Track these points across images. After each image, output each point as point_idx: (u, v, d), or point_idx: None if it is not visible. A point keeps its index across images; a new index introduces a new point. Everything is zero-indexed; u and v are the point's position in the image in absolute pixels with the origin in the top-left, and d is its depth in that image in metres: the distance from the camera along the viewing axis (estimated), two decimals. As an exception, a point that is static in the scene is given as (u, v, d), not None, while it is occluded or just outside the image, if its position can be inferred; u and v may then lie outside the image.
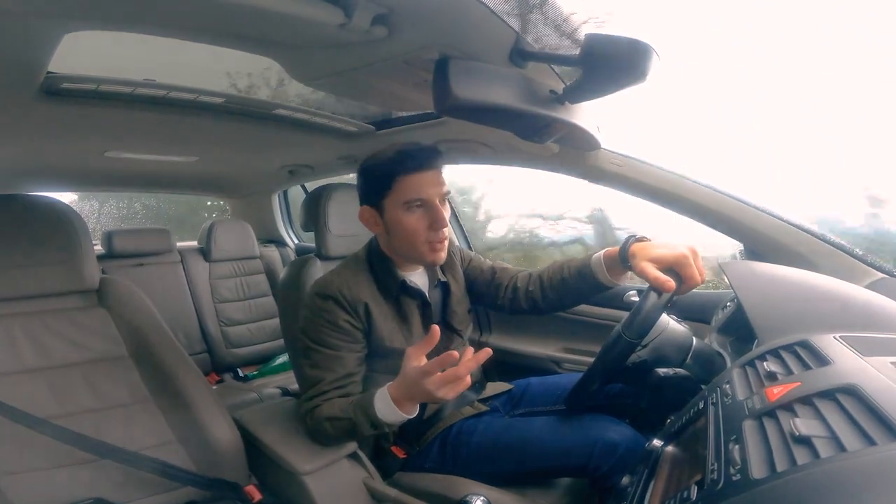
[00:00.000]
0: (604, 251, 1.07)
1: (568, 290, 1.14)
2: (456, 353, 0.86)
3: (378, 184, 1.04)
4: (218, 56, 0.88)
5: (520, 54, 0.83)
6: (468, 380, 0.87)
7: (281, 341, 2.21)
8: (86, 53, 0.85)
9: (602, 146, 1.31)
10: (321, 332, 1.04)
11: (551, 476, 1.10)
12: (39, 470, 0.96)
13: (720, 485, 0.47)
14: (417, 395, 0.90)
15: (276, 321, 2.17)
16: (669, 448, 0.72)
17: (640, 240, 0.99)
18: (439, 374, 0.85)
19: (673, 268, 0.91)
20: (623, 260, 1.00)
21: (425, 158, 1.02)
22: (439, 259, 1.07)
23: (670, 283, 0.87)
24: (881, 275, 1.10)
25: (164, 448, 1.08)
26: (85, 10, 0.66)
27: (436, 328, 0.86)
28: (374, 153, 1.07)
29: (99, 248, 2.17)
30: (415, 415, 0.95)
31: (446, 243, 1.08)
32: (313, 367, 1.05)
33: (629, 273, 1.02)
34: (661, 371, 0.97)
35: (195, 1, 0.66)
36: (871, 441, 0.41)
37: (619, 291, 1.55)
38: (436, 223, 1.02)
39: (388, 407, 0.93)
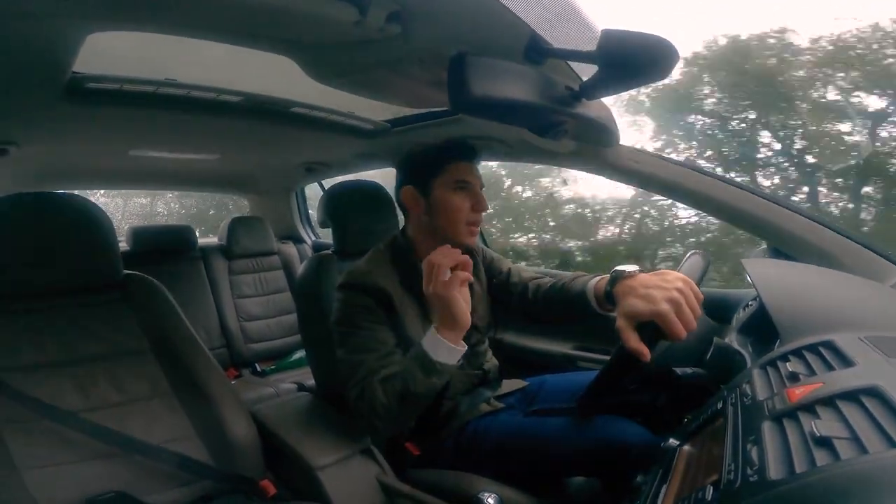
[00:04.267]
0: (596, 280, 1.03)
1: (571, 311, 1.12)
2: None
3: (430, 165, 1.12)
4: (236, 55, 0.89)
5: (536, 51, 0.82)
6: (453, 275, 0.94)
7: (298, 337, 2.24)
8: (109, 54, 0.87)
9: (619, 142, 1.29)
10: (354, 318, 1.05)
11: (564, 476, 1.10)
12: (61, 464, 0.98)
13: (737, 485, 0.46)
14: (445, 306, 0.94)
15: (294, 317, 2.20)
16: (685, 447, 0.71)
17: (629, 276, 0.89)
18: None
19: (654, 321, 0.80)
20: (609, 300, 0.95)
21: (472, 151, 1.16)
22: (472, 242, 1.15)
23: (644, 355, 0.78)
24: (909, 274, 1.06)
25: (184, 442, 1.10)
26: (106, 11, 0.68)
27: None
28: (419, 144, 1.19)
29: (124, 244, 2.23)
30: (465, 348, 0.98)
31: (479, 229, 1.16)
32: (352, 352, 1.04)
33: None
34: (679, 370, 0.95)
35: (213, 1, 0.67)
36: (893, 443, 0.40)
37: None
38: (478, 205, 1.12)
39: (436, 340, 0.95)
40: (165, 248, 2.31)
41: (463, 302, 0.96)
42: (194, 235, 2.43)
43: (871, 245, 1.12)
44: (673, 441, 0.74)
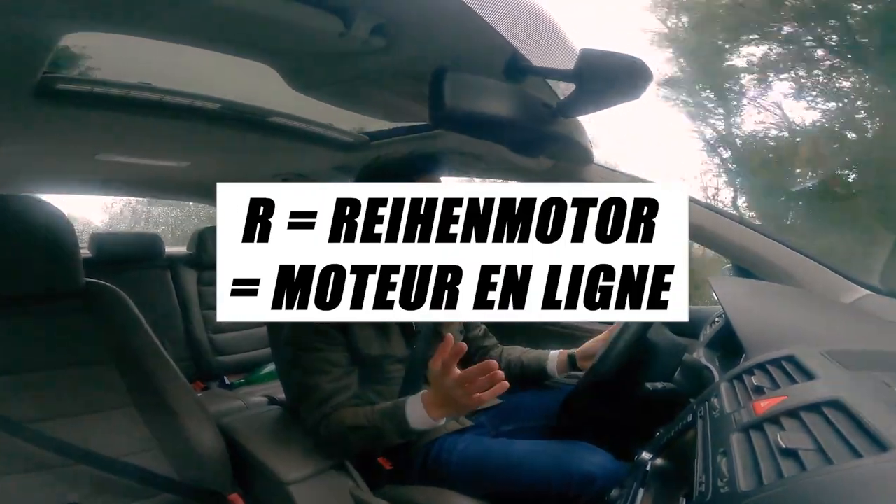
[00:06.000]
0: (559, 352, 1.32)
1: (523, 376, 1.32)
2: (495, 362, 0.90)
3: (399, 176, 1.10)
4: (215, 62, 0.88)
5: (516, 69, 0.84)
6: (505, 383, 0.90)
7: (268, 350, 2.19)
8: (83, 55, 0.85)
9: (595, 161, 1.33)
10: (304, 338, 1.07)
11: (531, 501, 1.09)
12: (13, 474, 0.93)
13: (708, 497, 0.47)
14: (454, 404, 0.94)
15: (264, 329, 2.15)
16: (658, 461, 0.72)
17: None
18: (479, 378, 0.89)
19: None
20: (572, 365, 1.29)
21: (437, 166, 1.16)
22: None
23: None
24: (866, 291, 1.11)
25: (145, 454, 1.06)
26: (83, 12, 0.67)
27: (450, 336, 0.92)
28: (380, 156, 1.18)
29: (86, 251, 2.15)
30: (443, 422, 1.00)
31: None
32: (306, 373, 1.07)
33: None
34: (650, 385, 0.97)
35: (194, 5, 0.66)
36: (856, 454, 0.42)
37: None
38: None
39: (421, 414, 0.97)
40: (130, 256, 2.23)
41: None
42: (161, 244, 2.35)
43: (830, 263, 1.17)
44: (646, 455, 0.75)
